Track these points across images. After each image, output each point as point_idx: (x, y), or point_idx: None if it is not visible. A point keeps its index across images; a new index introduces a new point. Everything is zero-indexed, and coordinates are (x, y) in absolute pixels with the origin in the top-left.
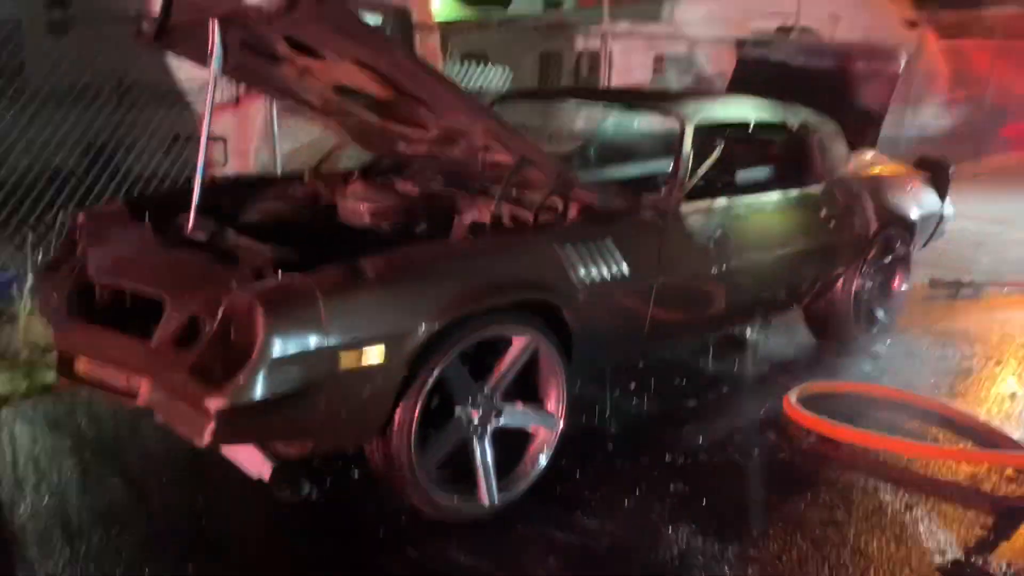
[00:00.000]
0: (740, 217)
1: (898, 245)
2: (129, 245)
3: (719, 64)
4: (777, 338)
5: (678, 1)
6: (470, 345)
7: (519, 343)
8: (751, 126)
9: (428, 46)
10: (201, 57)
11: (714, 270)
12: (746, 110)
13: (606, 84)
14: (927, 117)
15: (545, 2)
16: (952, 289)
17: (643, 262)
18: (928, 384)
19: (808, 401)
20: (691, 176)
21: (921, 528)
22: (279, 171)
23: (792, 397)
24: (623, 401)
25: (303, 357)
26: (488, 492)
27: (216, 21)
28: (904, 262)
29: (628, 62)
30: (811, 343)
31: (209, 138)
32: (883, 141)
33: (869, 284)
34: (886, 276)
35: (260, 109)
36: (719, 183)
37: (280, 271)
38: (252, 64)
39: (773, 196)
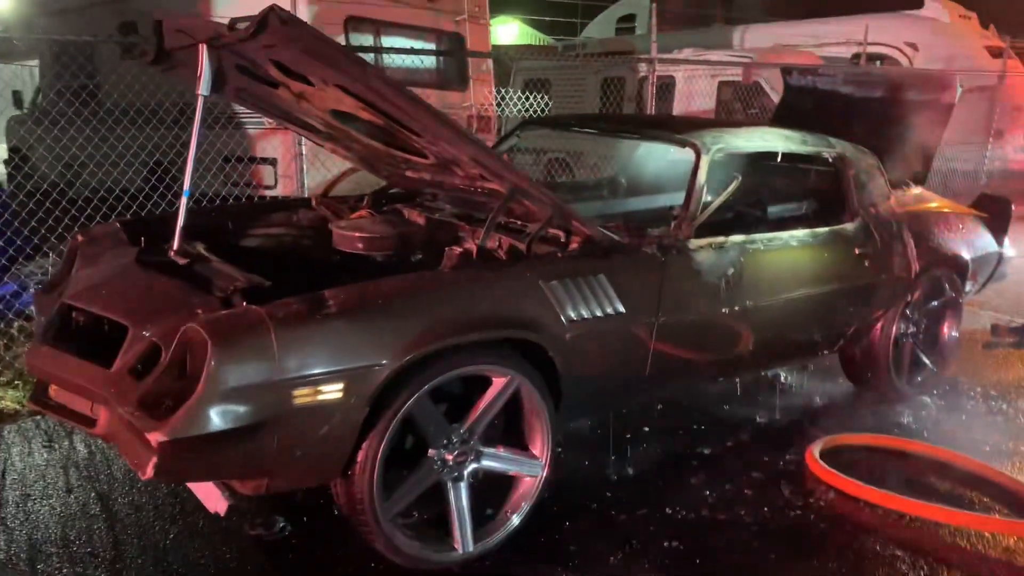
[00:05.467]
0: (758, 255)
1: (946, 288)
2: (110, 268)
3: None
4: (814, 383)
5: (748, 28)
6: (446, 383)
7: (498, 383)
8: (779, 158)
9: (480, 73)
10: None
11: (725, 310)
12: (773, 141)
13: (651, 111)
14: (1010, 151)
15: (617, 28)
16: (1017, 337)
17: (641, 300)
18: (974, 442)
19: (834, 454)
20: (703, 211)
21: None
22: (305, 193)
23: (816, 449)
24: (631, 445)
25: (254, 391)
26: (462, 539)
27: (204, 46)
28: (954, 306)
29: (691, 89)
30: (850, 390)
31: (259, 161)
32: (962, 176)
33: (913, 329)
34: (934, 321)
35: None
36: (739, 218)
37: (245, 300)
38: (252, 89)
39: (798, 233)
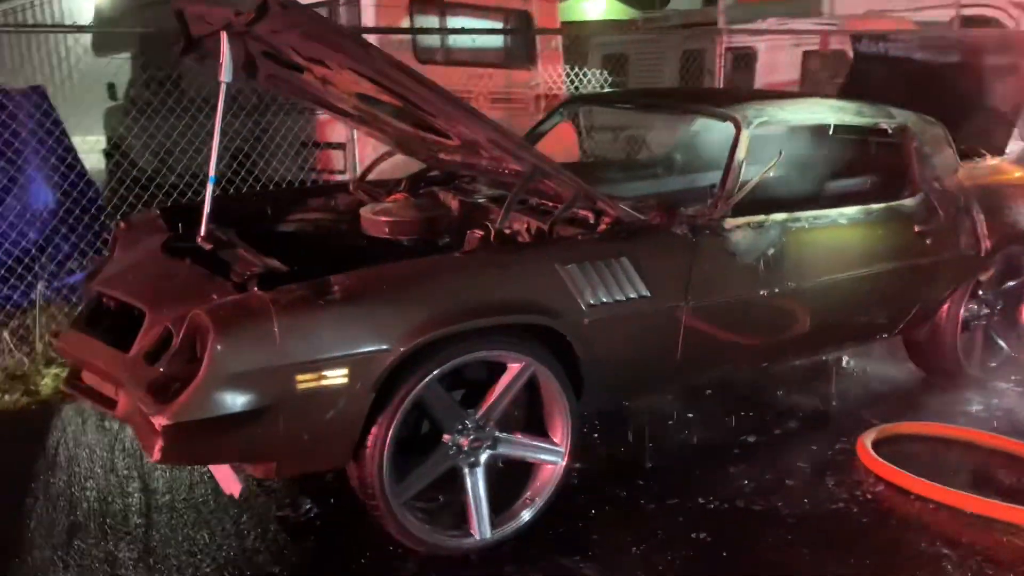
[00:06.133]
0: (802, 234)
1: None
2: (140, 254)
3: None
4: (878, 368)
5: None
6: (460, 368)
7: (513, 369)
8: (831, 131)
9: (548, 50)
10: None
11: (764, 293)
12: (824, 113)
13: (718, 85)
14: None
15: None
16: None
17: (668, 283)
18: None
19: (890, 444)
20: (741, 189)
21: None
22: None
23: (868, 439)
24: (672, 432)
25: (257, 376)
26: (479, 525)
27: (224, 33)
28: None
29: (774, 59)
30: (917, 376)
31: (328, 146)
32: None
33: (986, 311)
34: (1012, 302)
35: None
36: (785, 196)
37: (261, 286)
38: (282, 75)
39: (849, 210)
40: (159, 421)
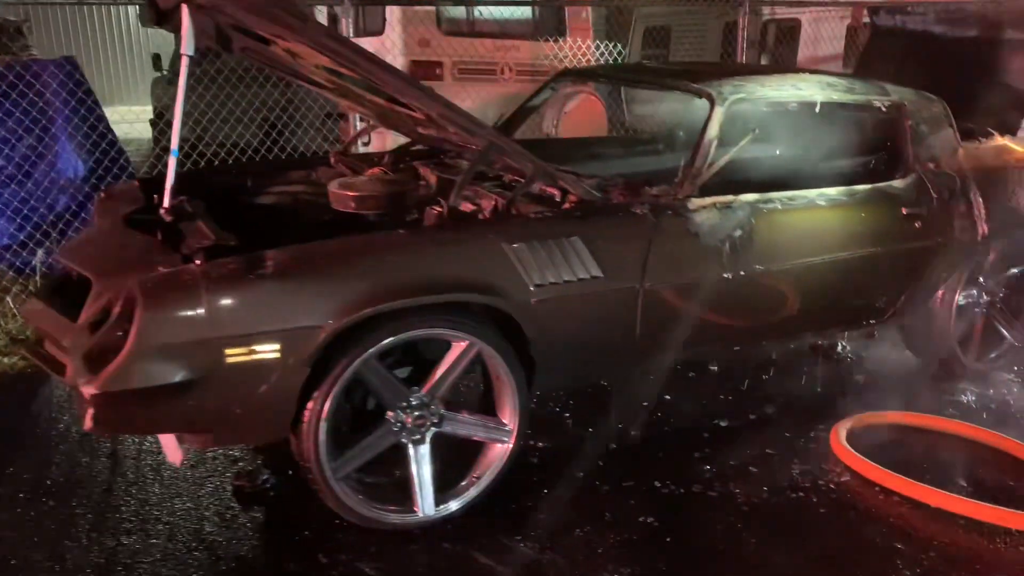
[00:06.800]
0: (775, 215)
1: None
2: (106, 224)
3: None
4: (875, 354)
5: None
6: (406, 343)
7: (457, 347)
8: (818, 108)
9: (578, 21)
10: (206, 39)
11: (729, 276)
12: (809, 90)
13: (743, 59)
14: None
15: None
16: None
17: (624, 264)
18: None
19: (867, 433)
20: (710, 167)
21: None
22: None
23: (843, 427)
24: (645, 413)
25: (185, 348)
26: (422, 502)
27: (185, 6)
28: None
29: (817, 32)
30: (913, 364)
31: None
32: None
33: (986, 299)
34: (1018, 290)
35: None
36: (761, 176)
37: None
38: (254, 47)
39: (831, 191)
40: (88, 390)
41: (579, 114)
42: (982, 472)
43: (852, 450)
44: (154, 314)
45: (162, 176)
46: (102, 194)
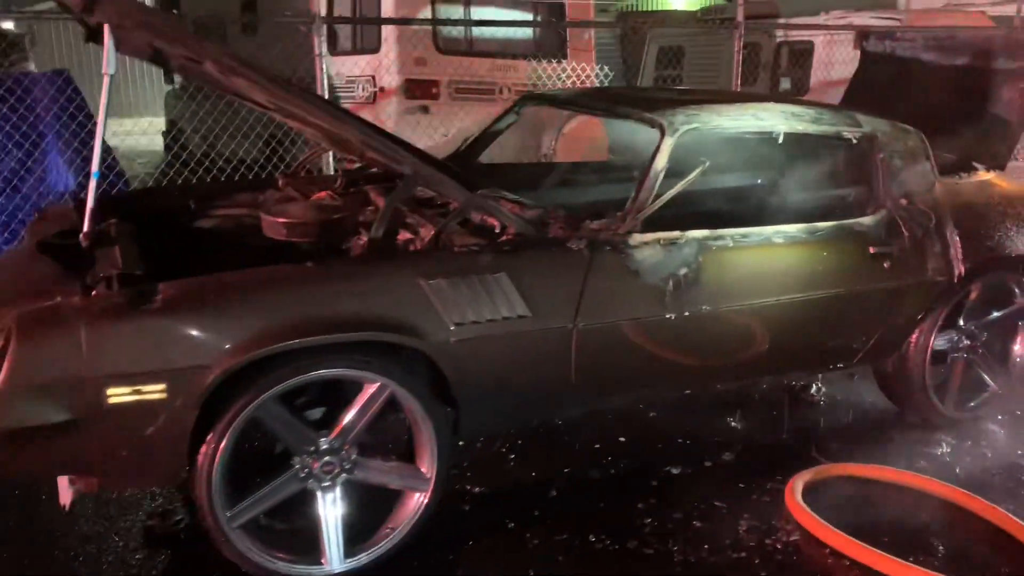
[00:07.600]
0: (725, 253)
1: (1017, 294)
2: (23, 249)
3: None
4: (850, 399)
5: None
6: (304, 386)
7: (368, 389)
8: (780, 139)
9: (580, 42)
10: (138, 54)
11: (671, 316)
12: (771, 120)
13: (736, 85)
14: None
15: None
16: None
17: (554, 303)
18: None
19: (827, 487)
20: (655, 201)
21: None
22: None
23: (801, 480)
24: (595, 457)
25: (62, 387)
26: (330, 554)
27: (107, 25)
28: None
29: (831, 55)
30: (889, 412)
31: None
32: None
33: (967, 343)
34: (1001, 333)
35: (394, 104)
36: (714, 211)
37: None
38: (189, 66)
39: (789, 228)
40: None
41: (579, 136)
42: (949, 537)
43: (805, 506)
44: (28, 350)
45: (103, 198)
46: (35, 215)
